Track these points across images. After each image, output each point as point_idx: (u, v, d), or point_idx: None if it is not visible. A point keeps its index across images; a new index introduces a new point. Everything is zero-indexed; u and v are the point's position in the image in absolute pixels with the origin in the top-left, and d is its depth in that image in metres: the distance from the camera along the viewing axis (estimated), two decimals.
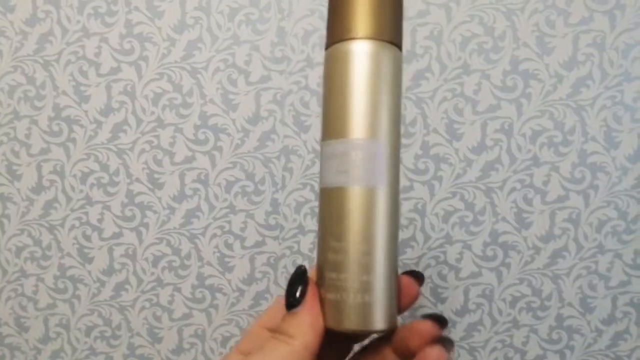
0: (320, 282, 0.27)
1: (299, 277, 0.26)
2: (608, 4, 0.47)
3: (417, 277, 0.29)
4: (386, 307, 0.26)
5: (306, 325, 0.26)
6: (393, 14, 0.27)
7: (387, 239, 0.26)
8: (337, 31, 0.26)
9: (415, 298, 0.28)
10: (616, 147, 0.48)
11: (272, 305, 0.30)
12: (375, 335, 0.28)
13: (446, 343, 0.26)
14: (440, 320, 0.27)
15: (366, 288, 0.26)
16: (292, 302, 0.26)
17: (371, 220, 0.26)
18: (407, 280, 0.28)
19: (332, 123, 0.26)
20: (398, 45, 0.27)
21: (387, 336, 0.28)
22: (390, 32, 0.26)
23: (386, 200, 0.26)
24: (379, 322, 0.26)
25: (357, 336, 0.28)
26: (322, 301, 0.26)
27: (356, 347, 0.30)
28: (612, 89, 0.47)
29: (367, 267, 0.26)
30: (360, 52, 0.26)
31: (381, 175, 0.26)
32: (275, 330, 0.26)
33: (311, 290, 0.26)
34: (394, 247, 0.26)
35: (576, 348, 0.51)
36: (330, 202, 0.26)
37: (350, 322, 0.26)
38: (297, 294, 0.26)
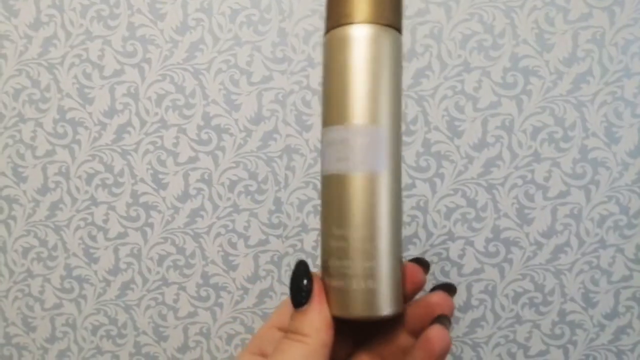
0: (324, 270, 0.26)
1: (302, 273, 0.26)
2: (607, 0, 0.47)
3: (423, 264, 0.28)
4: (391, 293, 0.26)
5: (319, 322, 0.25)
6: None
7: (390, 225, 0.26)
8: (335, 16, 0.26)
9: (422, 285, 0.28)
10: (617, 143, 0.48)
11: (280, 305, 0.30)
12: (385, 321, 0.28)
13: (444, 320, 0.26)
14: (448, 288, 0.28)
15: (370, 274, 0.25)
16: (299, 300, 0.25)
17: (373, 206, 0.25)
18: (412, 268, 0.28)
19: (332, 109, 0.25)
20: (398, 28, 0.26)
21: (399, 319, 0.28)
22: (389, 16, 0.26)
23: (388, 186, 0.26)
24: (385, 307, 0.25)
25: (364, 323, 0.28)
26: (327, 290, 0.26)
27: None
28: (612, 85, 0.48)
29: (370, 253, 0.25)
30: (360, 36, 0.25)
31: (382, 161, 0.25)
32: (288, 330, 0.26)
33: (317, 285, 0.26)
34: (397, 233, 0.26)
35: (579, 343, 0.51)
36: (332, 189, 0.26)
37: (355, 309, 0.25)
38: (304, 291, 0.25)
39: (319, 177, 0.50)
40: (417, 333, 0.27)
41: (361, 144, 0.25)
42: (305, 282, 0.26)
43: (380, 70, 0.25)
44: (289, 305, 0.27)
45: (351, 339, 0.29)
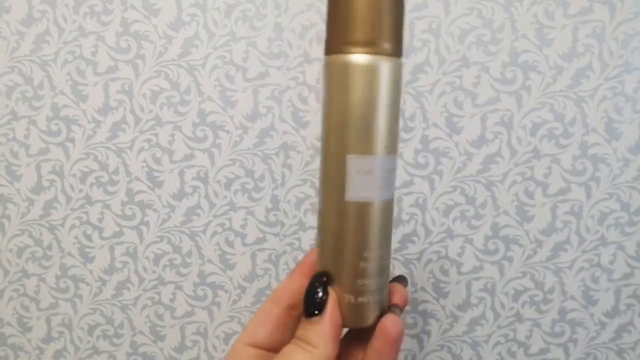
0: (345, 288, 0.28)
1: (319, 285, 0.27)
2: None
3: (402, 281, 0.32)
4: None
5: (329, 334, 0.26)
6: (398, 24, 0.27)
7: (390, 242, 0.29)
8: (354, 36, 0.26)
9: (405, 299, 0.31)
10: (617, 139, 0.48)
11: (252, 321, 0.30)
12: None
13: (395, 309, 0.29)
14: (400, 279, 0.32)
15: (383, 287, 0.29)
16: (313, 311, 0.26)
17: (388, 228, 0.28)
18: (399, 288, 0.31)
19: (361, 138, 0.26)
20: (399, 55, 0.27)
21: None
22: (402, 48, 0.27)
23: (393, 208, 0.29)
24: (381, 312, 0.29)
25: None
26: (341, 305, 0.28)
27: None
28: (613, 80, 0.47)
29: (384, 270, 0.29)
30: (389, 69, 0.26)
31: (393, 186, 0.28)
32: (296, 337, 0.27)
33: (332, 298, 0.27)
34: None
35: (579, 341, 0.51)
36: (359, 214, 0.27)
37: (370, 319, 0.28)
38: (318, 302, 0.27)
39: (317, 175, 0.50)
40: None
41: (384, 173, 0.27)
42: (320, 294, 0.27)
43: (394, 101, 0.27)
44: (262, 320, 0.29)
45: None
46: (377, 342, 0.27)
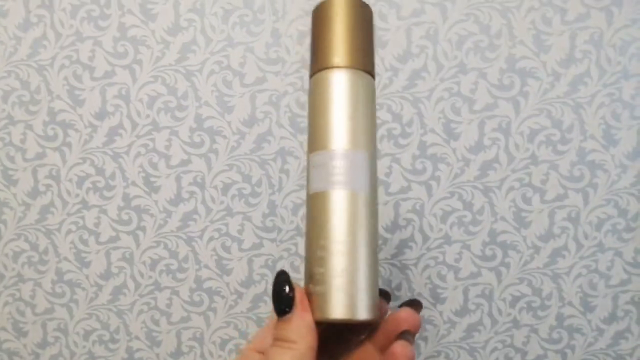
0: (309, 278, 0.29)
1: (283, 282, 0.28)
2: (605, 1, 0.46)
3: (415, 305, 0.31)
4: (368, 300, 0.28)
5: (304, 328, 0.27)
6: (367, 48, 0.31)
7: (366, 237, 0.29)
8: (320, 61, 0.30)
9: (419, 326, 0.30)
10: (615, 145, 0.48)
11: (262, 329, 0.31)
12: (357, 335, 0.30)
13: (407, 335, 0.28)
14: (414, 304, 0.31)
15: (347, 280, 0.28)
16: (283, 309, 0.27)
17: (351, 219, 0.29)
18: (408, 312, 0.30)
19: (319, 137, 0.30)
20: (371, 73, 0.31)
21: (369, 333, 0.30)
22: (364, 63, 0.31)
23: (365, 202, 0.29)
24: (361, 313, 0.28)
25: (342, 328, 0.31)
26: (310, 297, 0.28)
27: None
28: (610, 87, 0.47)
29: (347, 261, 0.28)
30: (341, 78, 0.30)
31: (359, 180, 0.29)
32: (275, 338, 0.27)
33: (299, 293, 0.27)
34: (373, 245, 0.29)
35: (577, 347, 0.51)
36: (316, 205, 0.29)
37: (335, 312, 0.28)
38: (286, 299, 0.27)
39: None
40: (383, 346, 0.29)
41: (342, 166, 0.29)
42: (287, 291, 0.27)
43: (358, 106, 0.30)
44: (269, 328, 0.29)
45: (325, 357, 0.31)
46: None
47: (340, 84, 0.30)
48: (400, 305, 0.30)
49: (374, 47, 0.32)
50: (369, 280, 0.29)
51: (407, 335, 0.28)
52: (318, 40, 0.31)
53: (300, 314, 0.27)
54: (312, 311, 0.28)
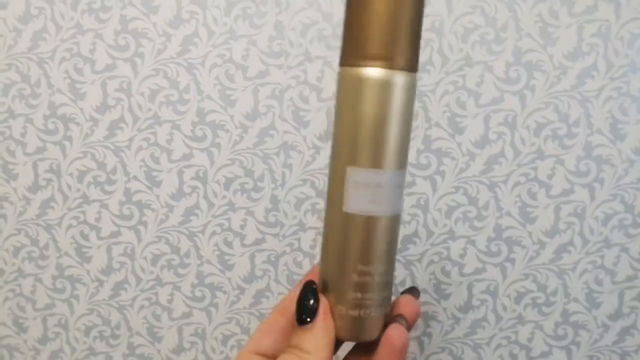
0: (339, 299, 0.28)
1: (310, 293, 0.27)
2: None
3: (414, 293, 0.32)
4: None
5: (321, 341, 0.27)
6: (415, 39, 0.27)
7: (395, 257, 0.29)
8: (369, 51, 0.26)
9: (419, 312, 0.31)
10: (622, 139, 0.47)
11: (258, 330, 0.31)
12: None
13: (400, 319, 0.29)
14: (412, 291, 0.31)
15: (384, 303, 0.29)
16: (304, 318, 0.27)
17: (393, 243, 0.28)
18: (409, 299, 0.31)
19: (364, 151, 0.26)
20: (415, 70, 0.27)
21: None
22: (416, 63, 0.27)
23: (399, 223, 0.29)
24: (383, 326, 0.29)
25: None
26: (337, 315, 0.28)
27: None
28: (618, 80, 0.46)
29: (387, 285, 0.29)
30: (399, 85, 0.26)
31: (402, 201, 0.28)
32: (289, 345, 0.28)
33: (323, 306, 0.28)
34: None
35: (582, 344, 0.50)
36: (359, 228, 0.27)
37: (370, 333, 0.28)
38: (310, 310, 0.27)
39: (318, 175, 0.49)
40: None
41: (390, 188, 0.27)
42: (312, 302, 0.27)
43: (405, 117, 0.27)
44: (266, 330, 0.30)
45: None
46: (381, 352, 0.28)
47: (401, 90, 0.26)
48: (401, 293, 0.31)
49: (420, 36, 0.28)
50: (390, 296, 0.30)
51: (401, 319, 0.29)
52: (370, 20, 0.25)
53: (322, 327, 0.27)
54: (339, 330, 0.28)
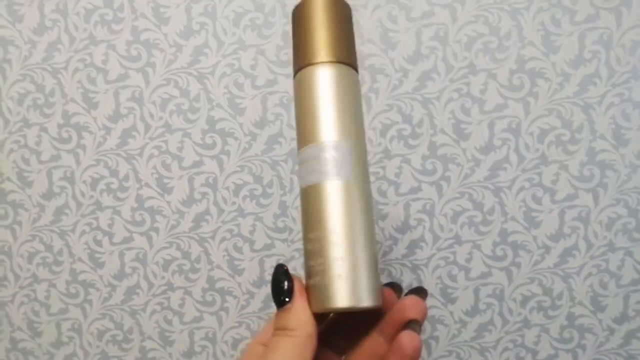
0: (305, 272, 0.29)
1: (281, 275, 0.28)
2: (614, 1, 0.47)
3: (395, 288, 0.31)
4: (369, 287, 0.28)
5: (303, 316, 0.27)
6: (349, 42, 0.32)
7: (362, 225, 0.29)
8: (303, 58, 0.31)
9: (392, 306, 0.30)
10: (625, 145, 0.48)
11: (267, 325, 0.31)
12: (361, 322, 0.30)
13: (414, 324, 0.28)
14: (419, 291, 0.31)
15: (344, 269, 0.28)
16: (282, 300, 0.28)
17: (344, 208, 0.29)
18: (416, 300, 0.30)
19: (307, 132, 0.30)
20: (354, 66, 0.31)
21: (376, 323, 0.31)
22: (346, 56, 0.31)
23: (357, 191, 0.29)
24: (364, 299, 0.28)
25: (347, 320, 0.32)
26: (308, 289, 0.28)
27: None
28: (620, 87, 0.47)
29: (342, 250, 0.28)
30: (324, 72, 0.30)
31: (349, 170, 0.29)
32: (275, 328, 0.28)
33: (297, 284, 0.28)
34: (369, 232, 0.29)
35: (588, 347, 0.51)
36: (308, 199, 0.29)
37: (335, 302, 0.28)
38: (285, 290, 0.28)
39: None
40: (392, 338, 0.29)
41: (330, 157, 0.29)
42: (285, 282, 0.28)
43: (341, 96, 0.30)
44: (271, 326, 0.29)
45: (336, 351, 0.32)
46: (392, 358, 0.27)
47: (323, 77, 0.30)
48: (406, 294, 0.31)
49: (354, 42, 0.33)
50: (368, 267, 0.28)
51: (414, 324, 0.28)
52: (300, 39, 0.32)
53: (300, 303, 0.27)
54: (312, 303, 0.28)
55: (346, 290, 0.27)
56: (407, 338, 0.27)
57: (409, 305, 0.29)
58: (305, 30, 0.31)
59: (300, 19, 0.32)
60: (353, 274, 0.28)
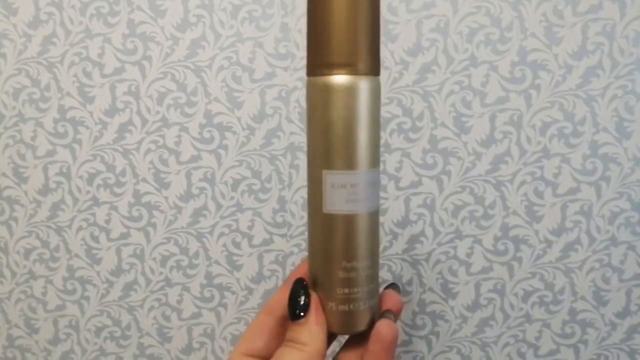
0: (328, 296, 0.30)
1: (300, 289, 0.29)
2: None
3: (396, 288, 0.34)
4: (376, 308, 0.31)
5: (316, 332, 0.28)
6: (378, 46, 0.29)
7: (378, 253, 0.31)
8: (334, 59, 0.27)
9: (402, 305, 0.33)
10: (628, 138, 0.47)
11: (248, 332, 0.32)
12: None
13: (388, 314, 0.30)
14: (393, 286, 0.33)
15: (372, 295, 0.30)
16: (298, 313, 0.29)
17: (375, 238, 0.30)
18: (392, 294, 0.33)
19: (338, 154, 0.28)
20: (377, 74, 0.29)
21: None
22: (378, 66, 0.29)
23: (378, 217, 0.30)
24: (374, 318, 0.31)
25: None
26: (328, 311, 0.30)
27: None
28: (623, 78, 0.46)
29: (373, 278, 0.30)
30: (365, 89, 0.28)
31: (377, 197, 0.30)
32: (287, 340, 0.29)
33: (314, 301, 0.29)
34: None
35: (590, 342, 0.50)
36: (339, 227, 0.29)
37: (359, 326, 0.30)
38: (302, 305, 0.29)
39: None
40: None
41: (366, 186, 0.29)
42: (303, 298, 0.29)
43: (372, 119, 0.29)
44: (256, 330, 0.31)
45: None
46: (373, 347, 0.29)
47: (364, 95, 0.28)
48: (383, 289, 0.33)
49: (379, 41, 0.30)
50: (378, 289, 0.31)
51: (389, 314, 0.30)
52: (330, 32, 0.27)
53: (315, 320, 0.29)
54: (331, 325, 0.29)
55: (369, 317, 0.30)
56: (384, 326, 0.29)
57: (387, 298, 0.32)
58: (341, 24, 0.27)
59: (329, 3, 0.27)
60: (377, 299, 0.31)
